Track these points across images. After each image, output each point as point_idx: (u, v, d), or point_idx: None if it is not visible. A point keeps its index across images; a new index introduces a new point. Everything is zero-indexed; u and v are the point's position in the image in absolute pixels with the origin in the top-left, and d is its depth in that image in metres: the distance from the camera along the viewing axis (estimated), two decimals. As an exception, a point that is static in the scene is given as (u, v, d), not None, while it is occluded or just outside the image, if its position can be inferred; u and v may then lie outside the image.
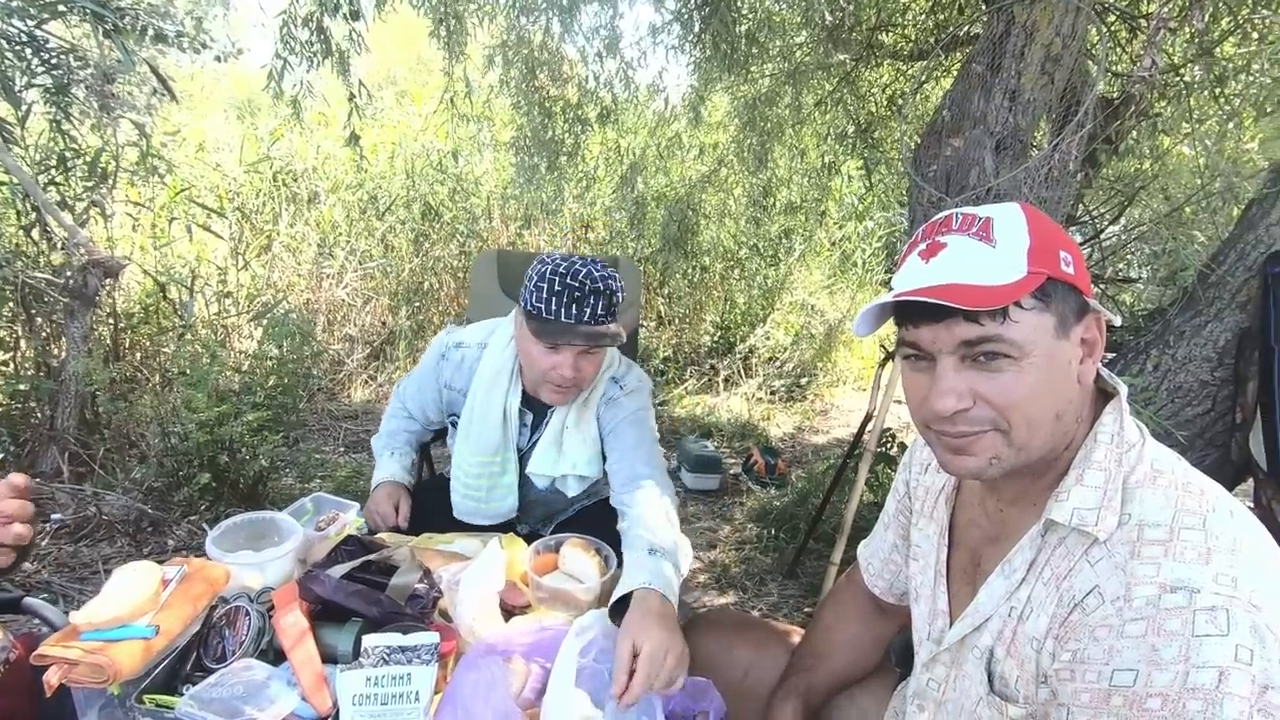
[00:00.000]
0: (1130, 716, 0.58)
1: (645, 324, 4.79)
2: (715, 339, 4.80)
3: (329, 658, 0.92)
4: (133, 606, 0.88)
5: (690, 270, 4.60)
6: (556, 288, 1.21)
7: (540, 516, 1.62)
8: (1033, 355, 0.65)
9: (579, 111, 2.81)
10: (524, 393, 1.40)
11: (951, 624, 0.82)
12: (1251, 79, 2.11)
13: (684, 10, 2.57)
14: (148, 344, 3.30)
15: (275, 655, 0.92)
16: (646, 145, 3.73)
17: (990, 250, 0.66)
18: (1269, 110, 2.05)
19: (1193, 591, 0.57)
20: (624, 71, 2.68)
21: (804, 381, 4.63)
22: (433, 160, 4.67)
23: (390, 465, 1.51)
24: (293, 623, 0.91)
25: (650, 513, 1.20)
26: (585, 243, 4.84)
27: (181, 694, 0.84)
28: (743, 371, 4.61)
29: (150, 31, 2.79)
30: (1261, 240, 1.49)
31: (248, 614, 0.93)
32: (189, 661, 0.91)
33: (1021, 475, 0.73)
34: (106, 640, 0.85)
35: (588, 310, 1.21)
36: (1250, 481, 1.47)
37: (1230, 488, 1.62)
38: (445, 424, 1.56)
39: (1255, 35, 2.03)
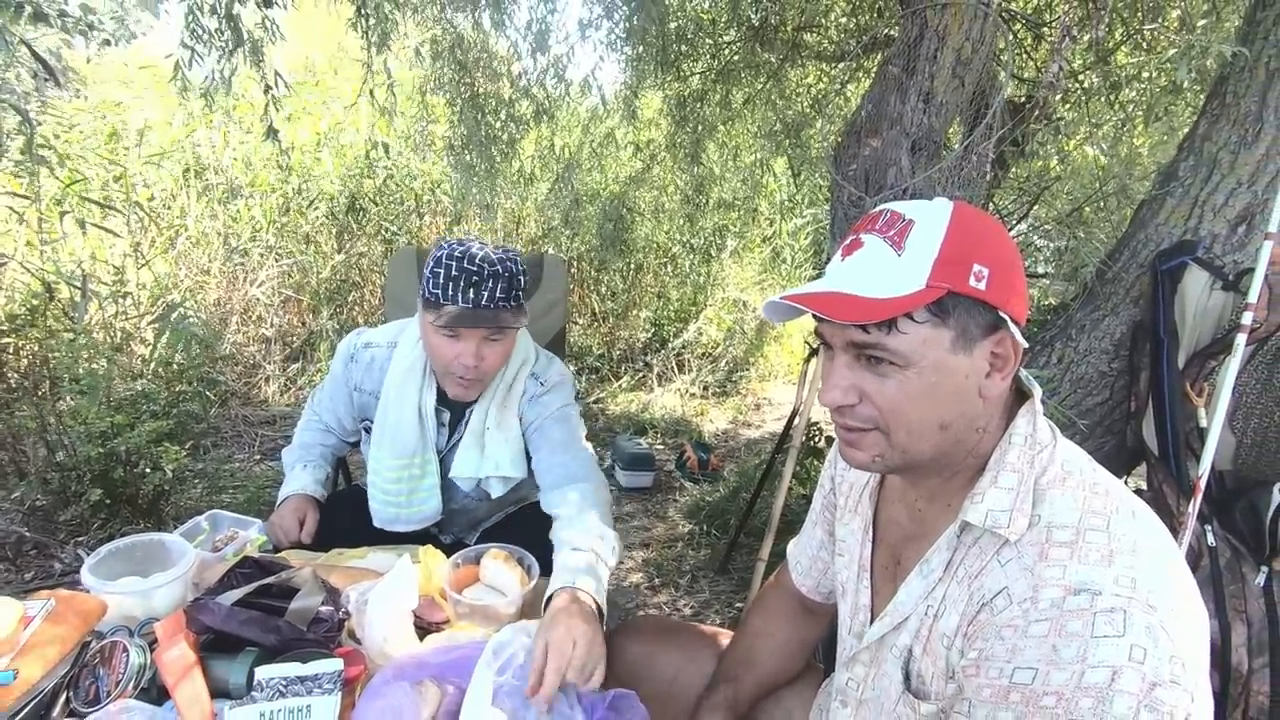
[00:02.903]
0: (1026, 713, 0.59)
1: (578, 321, 4.74)
2: (649, 335, 4.80)
3: (220, 692, 0.84)
4: (-14, 649, 0.79)
5: (624, 267, 4.59)
6: (453, 272, 1.16)
7: (464, 525, 1.56)
8: (919, 366, 0.65)
9: (512, 109, 2.74)
10: (439, 391, 1.34)
11: (873, 621, 0.83)
12: (1143, 86, 2.25)
13: (612, 5, 2.54)
14: (35, 349, 3.03)
15: (158, 693, 0.85)
16: (581, 143, 3.68)
17: (895, 259, 0.66)
18: (1158, 116, 2.19)
19: (1094, 594, 0.59)
20: (557, 68, 2.63)
21: (736, 377, 4.69)
22: (358, 154, 4.48)
23: (301, 478, 1.42)
24: (177, 656, 0.84)
25: (580, 514, 1.18)
26: (518, 239, 4.74)
27: (45, 744, 0.76)
28: (676, 368, 4.63)
29: (28, 10, 2.55)
30: (1151, 238, 1.58)
31: (125, 649, 0.85)
32: (56, 706, 0.82)
33: (928, 474, 0.75)
34: (-46, 689, 0.76)
35: (485, 293, 1.17)
36: (1144, 466, 1.57)
37: (1126, 472, 1.73)
38: (360, 431, 1.49)
39: (1145, 46, 2.16)
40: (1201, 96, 1.80)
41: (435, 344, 1.22)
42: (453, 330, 1.19)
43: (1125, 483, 1.21)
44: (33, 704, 0.80)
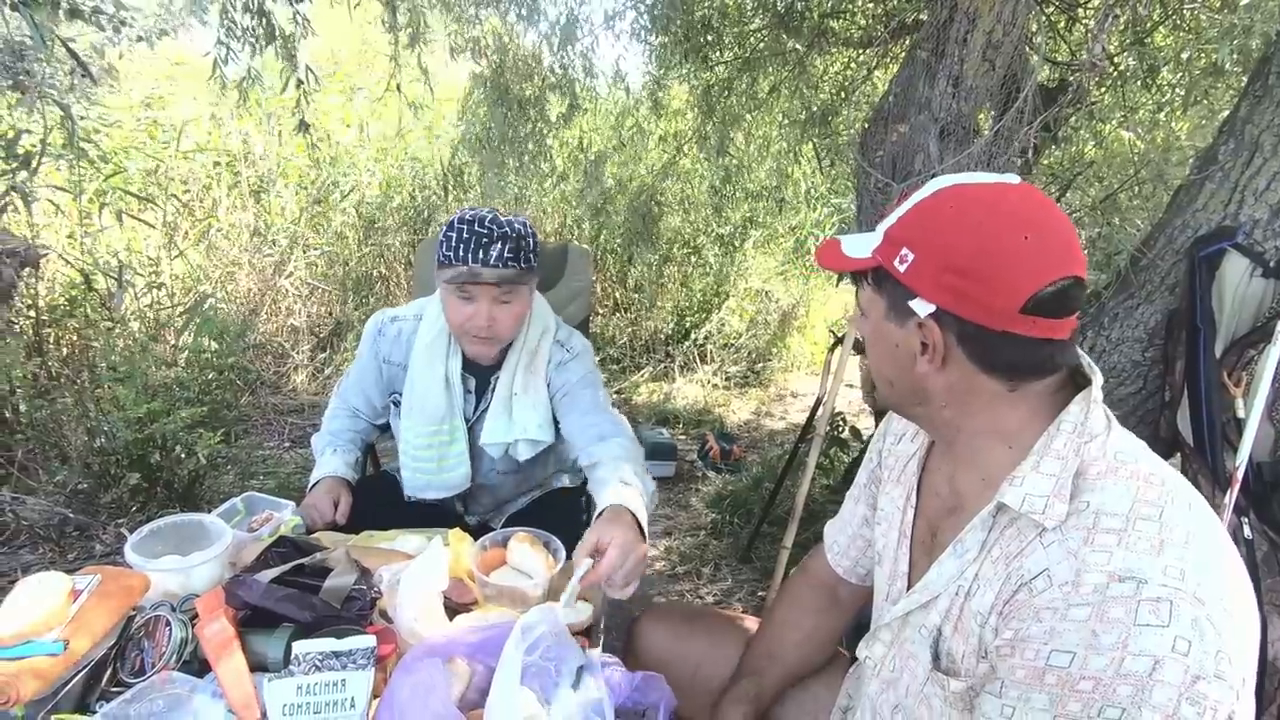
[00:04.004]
0: (1061, 696, 0.59)
1: (600, 312, 4.76)
2: (672, 326, 4.80)
3: (258, 666, 0.87)
4: (38, 621, 0.82)
5: (651, 260, 4.59)
6: (464, 235, 1.22)
7: (490, 504, 1.58)
8: (869, 319, 0.77)
9: (541, 107, 2.74)
10: (465, 360, 1.39)
11: (909, 589, 0.83)
12: (1182, 68, 2.19)
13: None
14: (75, 339, 3.12)
15: (200, 666, 0.87)
16: (609, 137, 3.69)
17: (873, 228, 0.76)
18: (1197, 98, 2.12)
19: (1140, 582, 0.58)
20: (585, 60, 2.63)
21: (759, 367, 4.67)
22: (388, 147, 4.53)
23: (332, 461, 1.45)
24: (218, 630, 0.86)
25: (620, 461, 1.25)
26: (541, 231, 4.77)
27: (94, 712, 0.79)
28: (698, 358, 4.62)
29: (64, 5, 2.61)
30: (1188, 225, 1.54)
31: (169, 624, 0.88)
32: (104, 677, 0.85)
33: (929, 430, 0.83)
34: (9, 658, 0.79)
35: (494, 253, 1.22)
36: (1178, 457, 1.53)
37: (1161, 464, 1.70)
38: (389, 407, 1.51)
39: (1185, 26, 2.09)
40: (1244, 78, 1.74)
41: (451, 305, 1.28)
42: (463, 290, 1.25)
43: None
44: (81, 674, 0.83)
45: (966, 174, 0.71)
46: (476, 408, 1.42)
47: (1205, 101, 2.16)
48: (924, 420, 0.80)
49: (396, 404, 1.44)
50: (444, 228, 1.26)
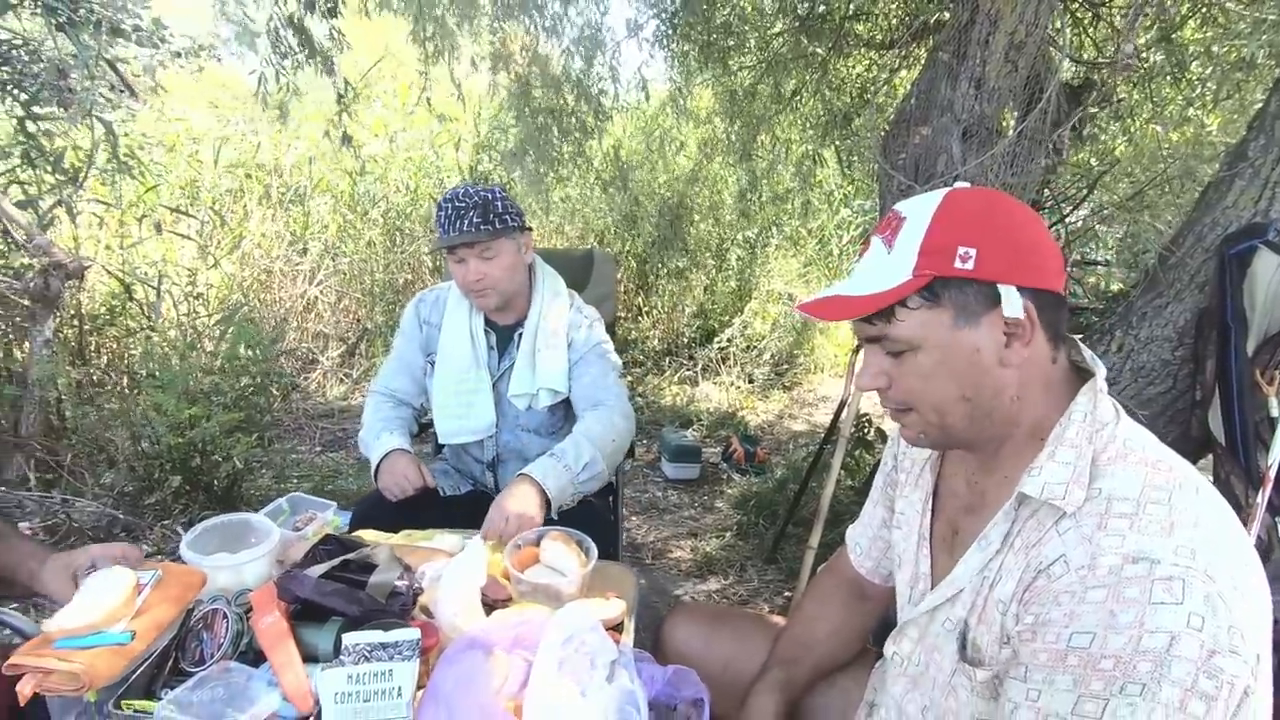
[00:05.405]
0: (1084, 676, 0.61)
1: (623, 316, 4.79)
2: (695, 329, 4.82)
3: (309, 657, 0.91)
4: (107, 612, 0.87)
5: (680, 265, 4.62)
6: (447, 211, 1.45)
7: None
8: (926, 347, 0.71)
9: (569, 117, 2.79)
10: (486, 319, 1.60)
11: (933, 589, 0.84)
12: (1212, 63, 2.16)
13: (660, 4, 2.56)
14: (115, 346, 3.23)
15: (255, 657, 0.92)
16: (637, 144, 3.72)
17: (886, 256, 0.72)
18: (1228, 94, 2.10)
19: (1153, 562, 0.60)
20: (612, 69, 2.67)
21: (782, 369, 4.67)
22: (414, 158, 4.62)
23: (391, 439, 1.52)
24: (272, 623, 0.91)
25: (586, 428, 1.46)
26: (562, 235, 4.82)
27: (160, 698, 0.83)
28: (721, 361, 4.63)
29: (106, 25, 2.71)
30: (1218, 222, 1.53)
31: (225, 616, 0.93)
32: (167, 666, 0.90)
33: (977, 446, 0.78)
34: (81, 647, 0.84)
35: (466, 220, 1.44)
36: (1210, 457, 1.52)
37: (1192, 463, 1.68)
38: (426, 370, 1.65)
39: (1220, 18, 2.06)
40: (1276, 71, 1.73)
41: (452, 270, 1.51)
42: (454, 254, 1.47)
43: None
44: (147, 663, 0.88)
45: (926, 194, 0.75)
46: (500, 363, 1.60)
47: (1236, 96, 2.13)
48: (983, 430, 0.75)
49: (432, 364, 1.63)
50: (435, 207, 1.50)
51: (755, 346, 4.70)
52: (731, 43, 2.71)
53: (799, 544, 2.49)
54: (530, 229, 1.57)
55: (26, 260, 2.52)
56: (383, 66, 4.95)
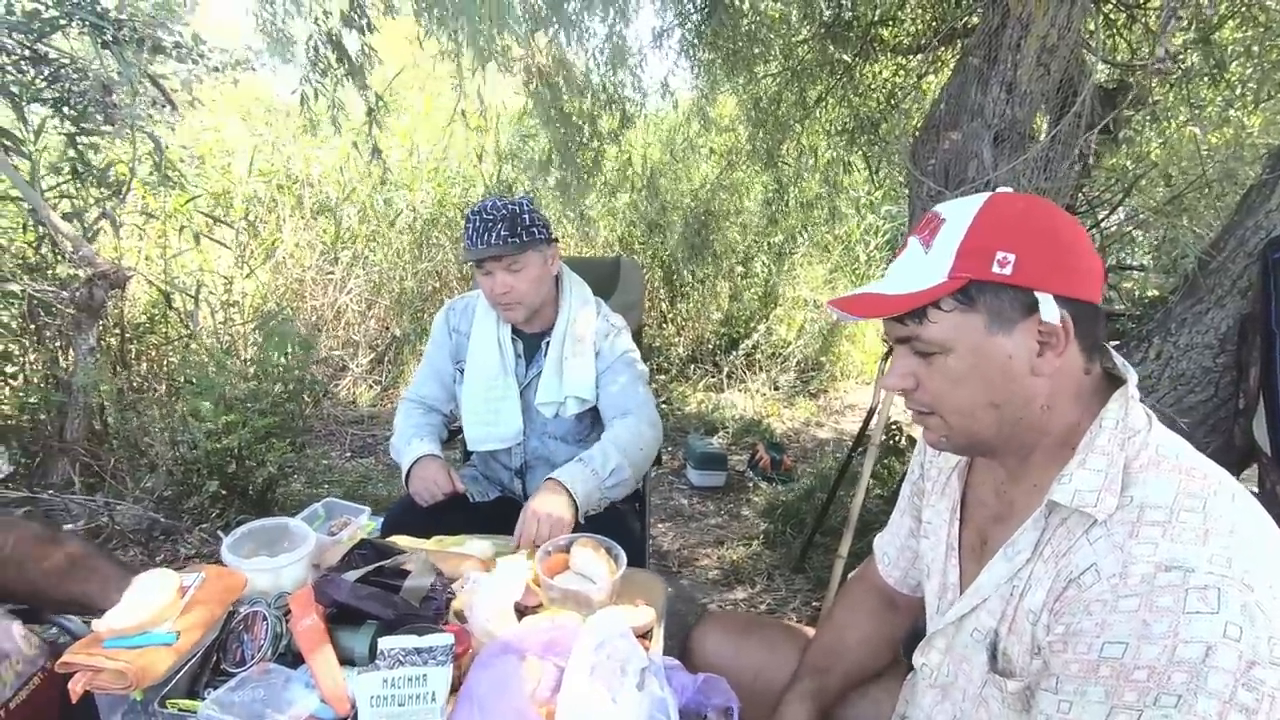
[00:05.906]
0: (1117, 687, 0.59)
1: (648, 325, 4.80)
2: (721, 336, 4.81)
3: (345, 660, 0.93)
4: (154, 613, 0.89)
5: (707, 273, 4.63)
6: (475, 224, 1.45)
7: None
8: (958, 350, 0.70)
9: (595, 125, 2.82)
10: (513, 328, 1.61)
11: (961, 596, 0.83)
12: (1253, 62, 2.11)
13: (684, 11, 2.57)
14: (154, 354, 3.32)
15: (293, 658, 0.94)
16: (661, 153, 3.74)
17: (923, 256, 0.72)
18: (1270, 94, 2.04)
19: (1187, 571, 0.58)
20: (635, 78, 2.69)
21: (809, 377, 4.64)
22: (442, 168, 4.70)
23: (422, 445, 1.55)
24: (310, 626, 0.93)
25: (614, 435, 1.46)
26: (589, 244, 4.85)
27: (203, 698, 0.86)
28: (747, 368, 4.62)
29: (148, 43, 2.81)
30: (1261, 226, 1.49)
31: (265, 618, 0.95)
32: (209, 666, 0.92)
33: (1005, 454, 0.77)
34: (129, 647, 0.87)
35: (494, 234, 1.44)
36: (1254, 467, 1.48)
37: (1236, 473, 1.63)
38: (455, 377, 1.67)
39: (1261, 17, 2.01)
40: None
41: (480, 283, 1.51)
42: (482, 268, 1.47)
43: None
44: (191, 663, 0.91)
45: (968, 196, 0.74)
46: (527, 371, 1.61)
47: (1278, 96, 2.08)
48: (1011, 437, 0.74)
49: (461, 371, 1.64)
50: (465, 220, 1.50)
51: (781, 353, 4.67)
52: (757, 50, 2.72)
53: (827, 553, 2.47)
54: (556, 240, 1.58)
55: (72, 271, 2.61)
56: (408, 77, 5.05)
